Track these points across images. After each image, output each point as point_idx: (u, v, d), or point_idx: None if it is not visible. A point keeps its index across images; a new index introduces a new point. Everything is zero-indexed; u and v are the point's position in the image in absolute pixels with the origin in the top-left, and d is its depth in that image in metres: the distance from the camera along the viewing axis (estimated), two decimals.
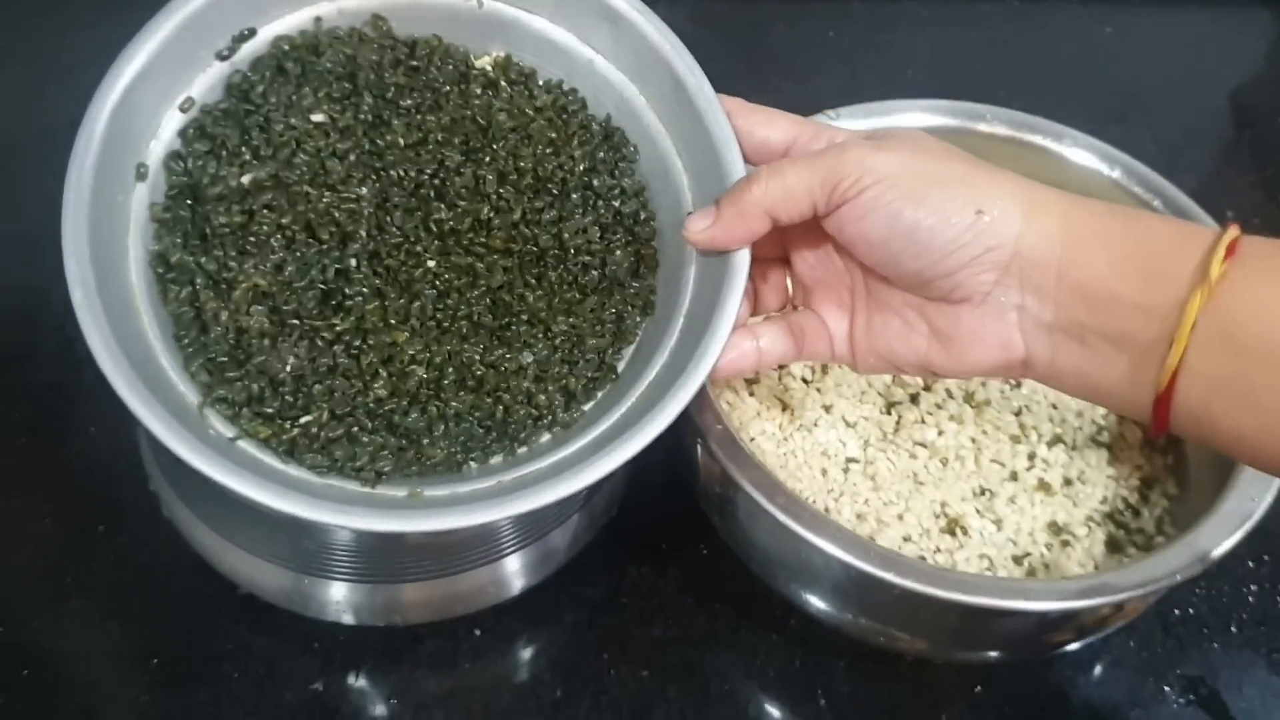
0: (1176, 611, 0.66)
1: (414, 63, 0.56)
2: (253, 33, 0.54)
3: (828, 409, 0.64)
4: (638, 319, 0.55)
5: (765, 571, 0.61)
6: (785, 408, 0.64)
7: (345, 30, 0.56)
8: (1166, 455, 0.64)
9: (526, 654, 0.64)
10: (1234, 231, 0.42)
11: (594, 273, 0.55)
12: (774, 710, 0.62)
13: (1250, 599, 0.67)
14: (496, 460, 0.52)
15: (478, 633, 0.64)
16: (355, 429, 0.50)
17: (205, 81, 0.53)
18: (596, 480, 0.48)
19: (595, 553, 0.65)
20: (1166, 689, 0.63)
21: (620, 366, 0.55)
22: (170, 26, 0.51)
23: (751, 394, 0.65)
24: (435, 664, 0.63)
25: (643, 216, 0.56)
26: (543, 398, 0.53)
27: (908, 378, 0.65)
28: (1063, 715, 0.63)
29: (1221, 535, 0.53)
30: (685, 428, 0.58)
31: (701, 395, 0.57)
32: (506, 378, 0.53)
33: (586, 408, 0.54)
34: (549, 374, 0.53)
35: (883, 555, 0.52)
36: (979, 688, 0.63)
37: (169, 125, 0.52)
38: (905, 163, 0.46)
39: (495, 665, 0.63)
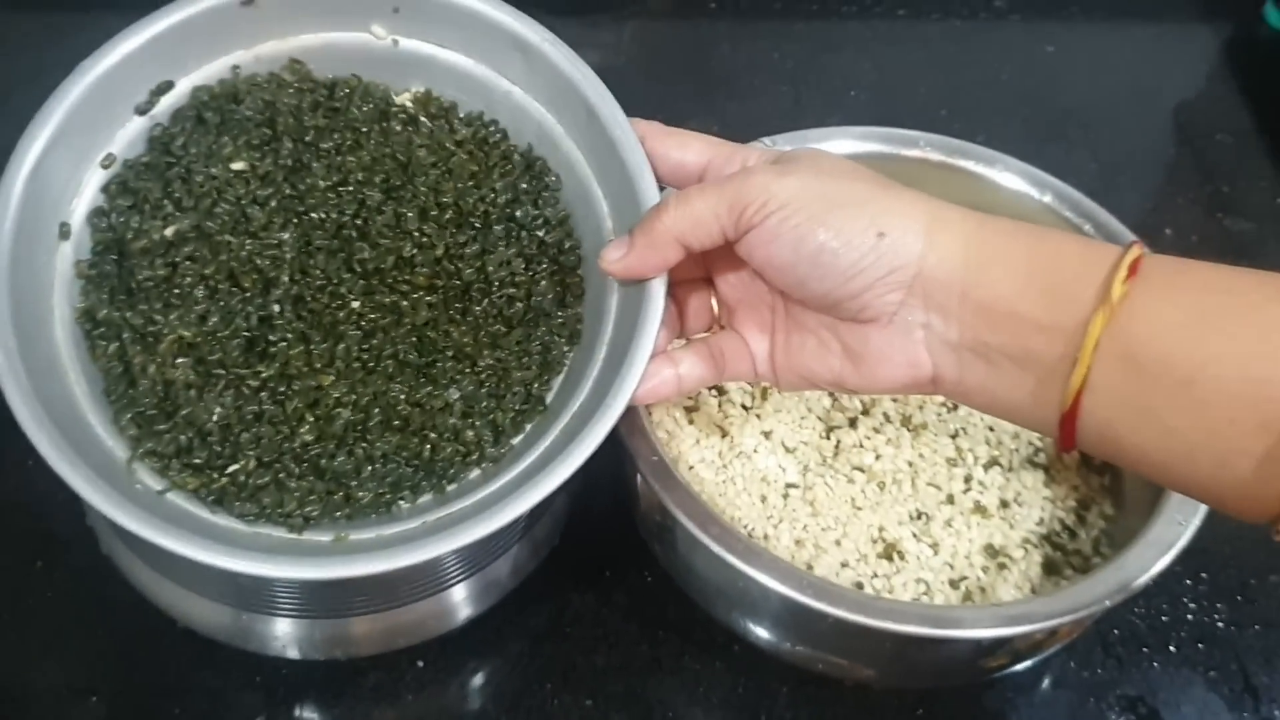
0: (1116, 631, 0.67)
1: (334, 104, 0.56)
2: (170, 85, 0.54)
3: (767, 435, 0.64)
4: (565, 348, 0.56)
5: (705, 600, 0.61)
6: (724, 434, 0.64)
7: (264, 76, 0.56)
8: (1103, 475, 0.64)
9: (471, 684, 0.64)
10: (1136, 250, 0.43)
11: (519, 305, 0.55)
12: None
13: (1189, 617, 0.67)
14: (426, 499, 0.52)
15: (421, 664, 0.63)
16: (282, 475, 0.50)
17: (125, 136, 0.54)
18: (517, 516, 0.48)
19: (538, 582, 0.65)
20: (1106, 709, 0.64)
21: (549, 398, 0.55)
22: (83, 86, 0.51)
23: (691, 421, 0.65)
24: (379, 696, 0.63)
25: (567, 245, 0.57)
26: (470, 434, 0.53)
27: (845, 401, 0.66)
28: None
29: (1154, 558, 0.54)
30: (624, 457, 0.58)
31: (637, 424, 0.57)
32: (433, 415, 0.53)
33: (515, 441, 0.54)
34: (476, 409, 0.53)
35: (816, 585, 0.52)
36: (920, 711, 0.63)
37: (91, 182, 0.53)
38: (808, 186, 0.46)
39: (439, 696, 0.63)
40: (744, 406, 0.66)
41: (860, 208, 0.46)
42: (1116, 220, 0.65)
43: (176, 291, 0.52)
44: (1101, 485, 0.64)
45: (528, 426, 0.54)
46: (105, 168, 0.53)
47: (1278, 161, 0.96)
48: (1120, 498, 0.63)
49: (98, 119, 0.52)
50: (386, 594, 0.59)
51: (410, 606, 0.60)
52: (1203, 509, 0.55)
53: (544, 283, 0.56)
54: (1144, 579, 0.53)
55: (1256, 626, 0.67)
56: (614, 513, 0.67)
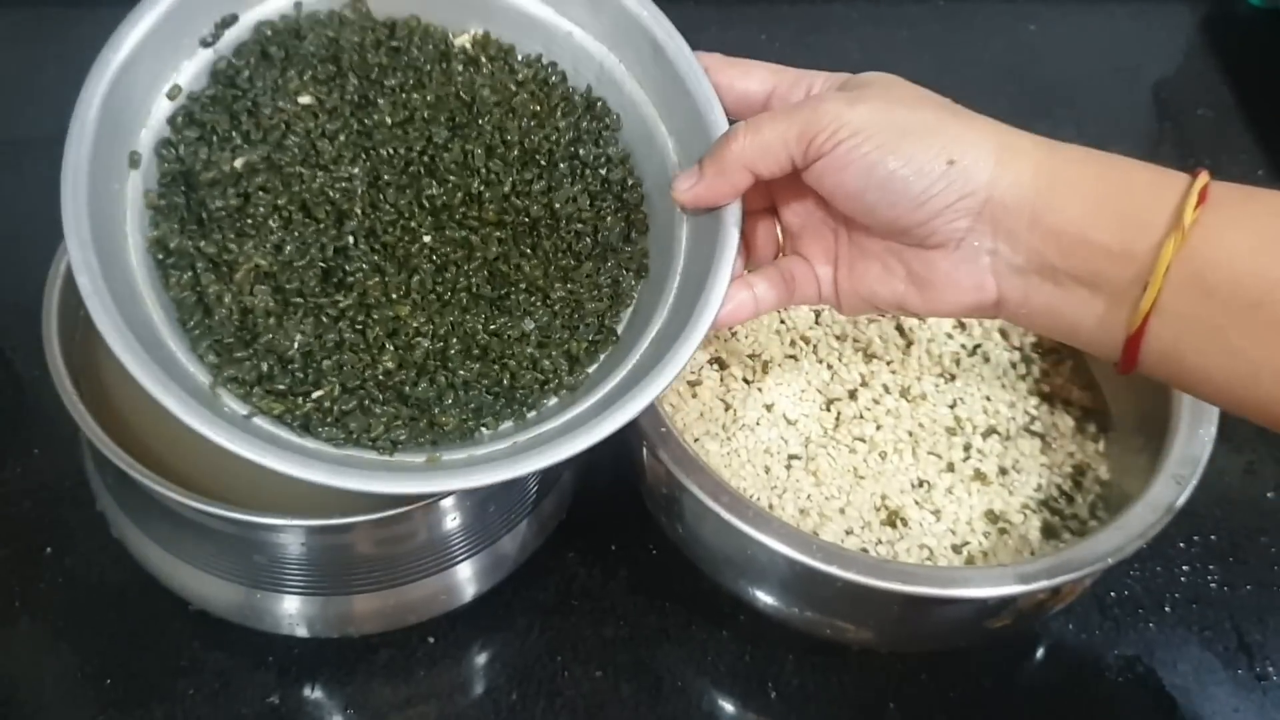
0: (1112, 594, 0.68)
1: (394, 43, 0.56)
2: (234, 19, 0.54)
3: (769, 408, 0.65)
4: (633, 281, 0.56)
5: (713, 569, 0.62)
6: (727, 408, 0.65)
7: (325, 13, 0.56)
8: (1098, 442, 0.66)
9: (480, 659, 0.64)
10: (1204, 177, 0.43)
11: (587, 239, 0.56)
12: (726, 704, 0.63)
13: (1182, 579, 0.69)
14: (507, 425, 0.53)
15: (431, 640, 0.64)
16: (367, 401, 0.51)
17: (191, 69, 0.54)
18: (609, 435, 0.49)
19: (545, 557, 0.66)
20: (1105, 669, 0.65)
21: (620, 329, 0.56)
22: (154, 14, 0.51)
23: (695, 395, 0.66)
24: (390, 673, 0.63)
25: (630, 183, 0.57)
26: (547, 363, 0.54)
27: (844, 374, 0.67)
28: (1006, 698, 0.64)
29: (1149, 519, 0.55)
30: (631, 431, 0.59)
31: None
32: (510, 345, 0.54)
33: (590, 370, 0.55)
34: (551, 339, 0.54)
35: (825, 549, 0.53)
36: (924, 675, 0.64)
37: (158, 113, 0.53)
38: (879, 113, 0.46)
39: (450, 672, 0.64)
40: (745, 380, 0.67)
41: (931, 135, 0.46)
42: None
43: (250, 221, 0.52)
44: (1097, 452, 0.65)
45: (601, 356, 0.55)
46: (171, 99, 0.53)
47: (1257, 135, 0.98)
48: (1115, 464, 0.65)
49: (166, 48, 0.52)
50: (396, 569, 0.60)
51: (419, 583, 0.61)
52: (1200, 469, 0.56)
53: (609, 218, 0.56)
54: (1143, 538, 0.54)
55: (1248, 586, 0.69)
56: (619, 487, 0.68)
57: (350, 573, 0.59)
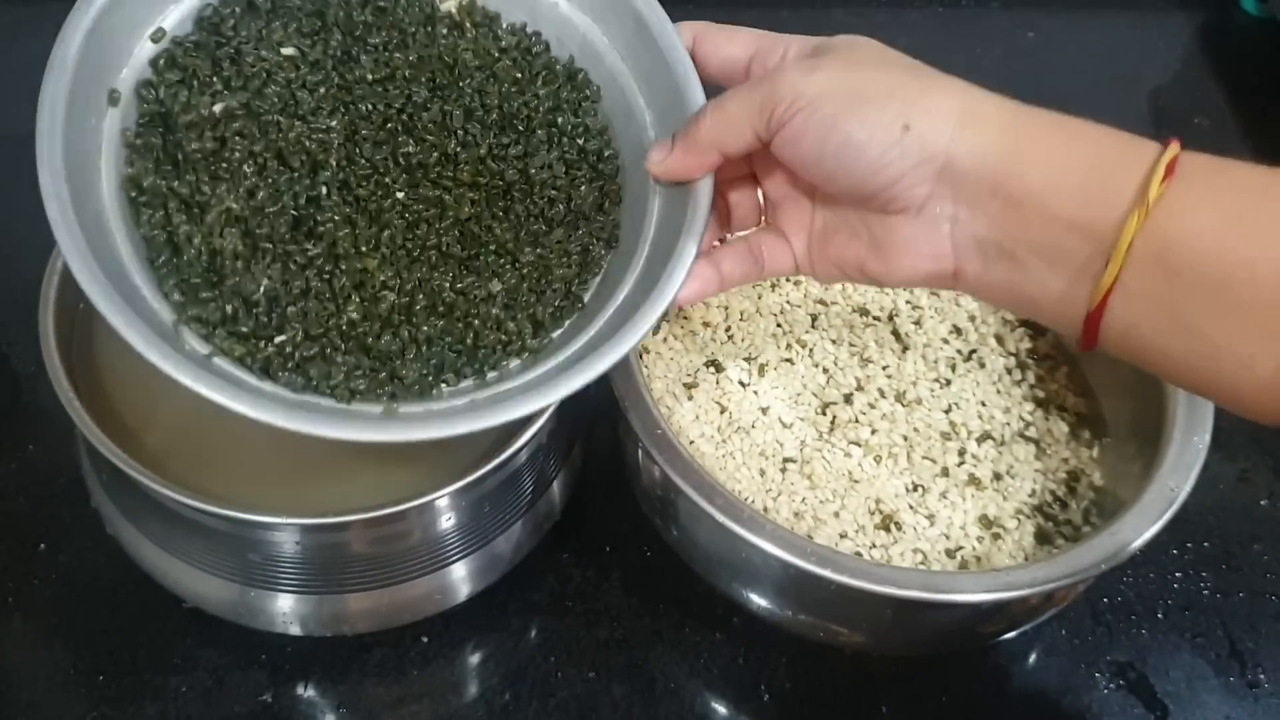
0: (1106, 599, 0.68)
1: (381, 3, 0.56)
2: None
3: (764, 411, 0.65)
4: (602, 251, 0.56)
5: (707, 571, 0.62)
6: (723, 410, 0.65)
7: None
8: (1092, 448, 0.66)
9: (474, 660, 0.65)
10: (1174, 149, 0.42)
11: (560, 206, 0.56)
12: (719, 707, 0.64)
13: (1175, 585, 0.69)
14: (467, 384, 0.53)
15: (425, 640, 0.64)
16: (329, 349, 0.51)
17: (176, 14, 0.54)
18: (563, 397, 0.49)
19: (540, 558, 0.66)
20: (1097, 675, 0.65)
21: (586, 296, 0.56)
22: None
23: (690, 398, 0.66)
24: (384, 672, 0.63)
25: (606, 154, 0.58)
26: (511, 325, 0.54)
27: (840, 378, 0.67)
28: (999, 703, 0.65)
29: (1143, 525, 0.55)
30: (625, 432, 0.59)
31: (639, 399, 0.58)
32: (476, 305, 0.53)
33: (554, 335, 0.55)
34: (517, 302, 0.54)
35: (819, 553, 0.53)
36: (917, 679, 0.64)
37: (140, 54, 0.53)
38: (834, 80, 0.46)
39: (443, 672, 0.64)
40: (741, 383, 0.67)
41: (887, 100, 0.45)
42: None
43: (224, 165, 0.52)
44: (1091, 458, 0.66)
45: (566, 322, 0.55)
46: (154, 42, 0.53)
47: (1254, 144, 0.98)
48: (1109, 470, 0.65)
49: None
50: (391, 568, 0.60)
51: (413, 582, 0.61)
52: (1193, 476, 0.56)
53: (584, 187, 0.57)
54: (1140, 541, 0.54)
55: (1241, 593, 0.69)
56: (614, 489, 0.68)
57: (344, 572, 0.60)
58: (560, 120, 0.57)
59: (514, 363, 0.54)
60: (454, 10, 0.58)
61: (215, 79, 0.53)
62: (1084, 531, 0.62)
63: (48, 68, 0.48)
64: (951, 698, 0.64)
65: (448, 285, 0.53)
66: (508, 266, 0.55)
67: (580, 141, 0.57)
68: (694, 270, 0.51)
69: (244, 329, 0.50)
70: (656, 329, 0.55)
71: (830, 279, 0.53)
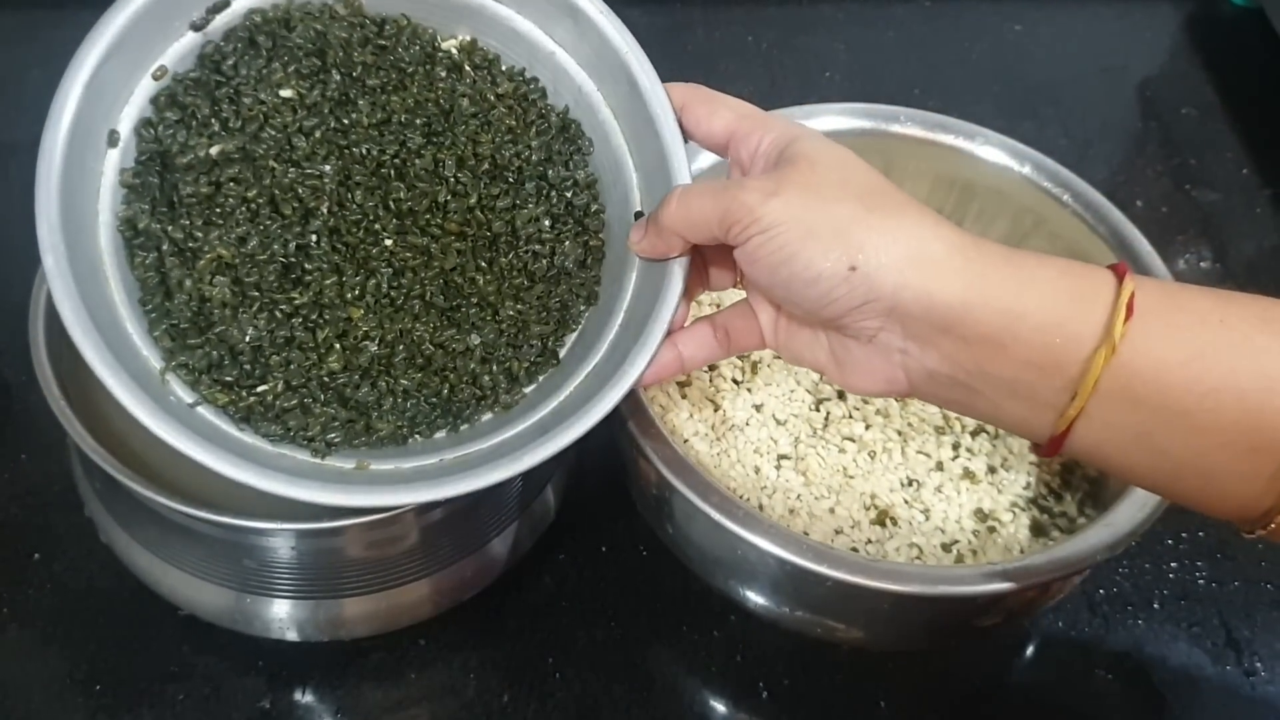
0: (1102, 590, 0.68)
1: (382, 41, 0.57)
2: (226, 3, 0.54)
3: (758, 408, 0.65)
4: (581, 308, 0.57)
5: (703, 570, 0.62)
6: (717, 408, 0.65)
7: (317, 5, 0.56)
8: None
9: (472, 662, 0.64)
10: (1130, 285, 0.43)
11: (543, 261, 0.56)
12: (718, 705, 0.64)
13: (1170, 576, 0.69)
14: (440, 435, 0.54)
15: (422, 643, 0.64)
16: (309, 400, 0.52)
17: (178, 51, 0.54)
18: (532, 466, 0.50)
19: (536, 559, 0.66)
20: (1094, 666, 0.65)
21: (562, 353, 0.56)
22: None
23: (684, 396, 0.66)
24: (381, 676, 0.63)
25: (593, 209, 0.58)
26: (487, 378, 0.54)
27: None
28: (997, 696, 0.65)
29: (1138, 515, 0.55)
30: (620, 432, 0.59)
31: (634, 399, 0.58)
32: (454, 357, 0.54)
33: (528, 390, 0.55)
34: (494, 355, 0.55)
35: (815, 549, 0.53)
36: (915, 673, 0.64)
37: (141, 92, 0.53)
38: (790, 208, 0.46)
39: (441, 674, 0.64)
40: (735, 381, 0.67)
41: (836, 238, 0.45)
42: (1093, 190, 0.67)
43: (218, 210, 0.52)
44: None
45: (540, 378, 0.56)
46: (156, 79, 0.53)
47: (1241, 134, 0.99)
48: None
49: (155, 28, 0.53)
50: (387, 572, 0.60)
51: (410, 586, 0.61)
52: None
53: (568, 243, 0.57)
54: (1132, 534, 0.54)
55: (1236, 583, 0.69)
56: (609, 489, 0.68)
57: (340, 576, 0.59)
58: (551, 173, 0.57)
59: (487, 416, 0.55)
60: (455, 50, 0.58)
61: (214, 120, 0.53)
62: (1079, 523, 0.62)
63: (48, 117, 0.49)
64: (949, 691, 0.64)
65: (428, 337, 0.54)
66: (488, 319, 0.55)
67: (569, 195, 0.57)
68: (658, 353, 0.52)
69: (229, 377, 0.51)
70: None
71: (793, 363, 0.54)
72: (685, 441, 0.64)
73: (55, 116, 0.49)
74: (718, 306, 0.70)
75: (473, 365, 0.54)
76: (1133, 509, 0.56)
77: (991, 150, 0.68)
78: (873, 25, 1.04)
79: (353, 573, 0.59)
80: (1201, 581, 0.69)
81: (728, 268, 0.55)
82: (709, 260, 0.55)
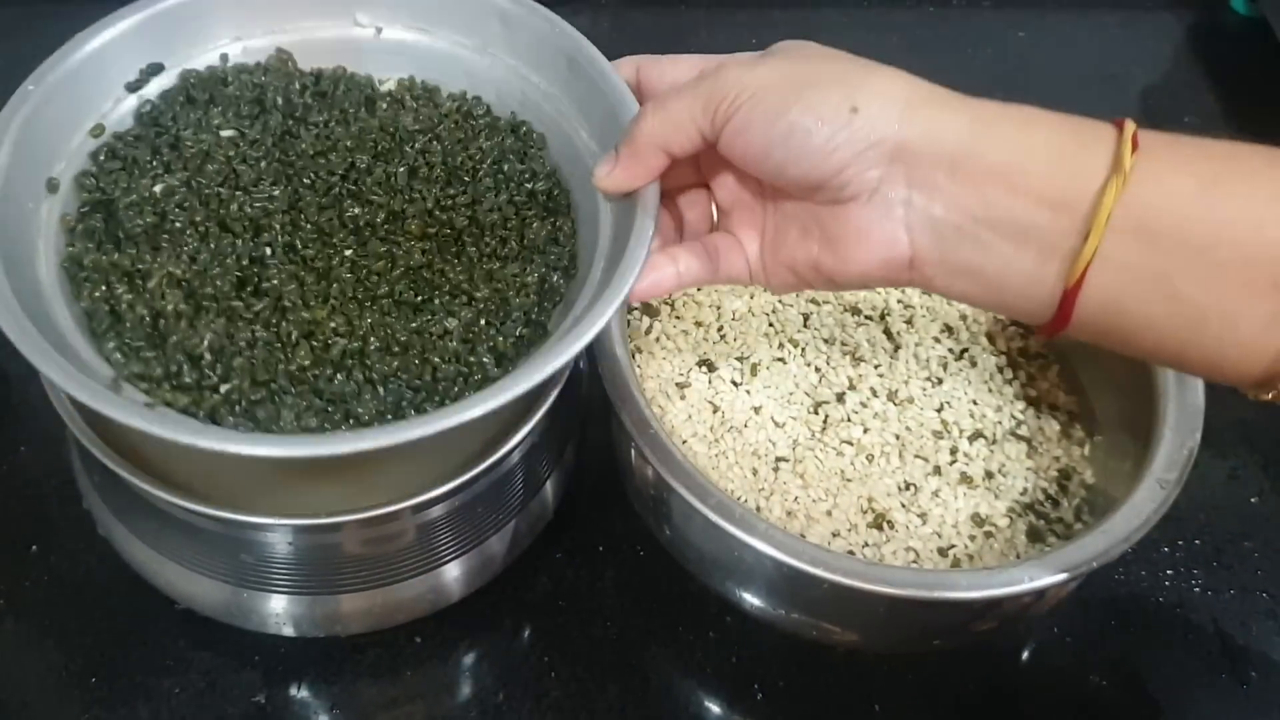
0: (1097, 597, 0.68)
1: (320, 88, 0.57)
2: (161, 67, 0.56)
3: (757, 410, 0.65)
4: (560, 280, 0.56)
5: (700, 570, 0.62)
6: (715, 410, 0.66)
7: (251, 65, 0.57)
8: (1083, 446, 0.66)
9: (468, 659, 0.65)
10: (1131, 126, 0.42)
11: (512, 243, 0.56)
12: (713, 705, 0.64)
13: (1167, 583, 0.69)
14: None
15: (419, 640, 0.64)
16: (280, 392, 0.50)
17: (117, 112, 0.55)
18: (520, 394, 0.47)
19: (533, 558, 0.66)
20: (1089, 673, 0.65)
21: (549, 324, 0.55)
22: (79, 54, 0.53)
23: (683, 398, 0.66)
24: (377, 673, 0.63)
25: (556, 194, 0.58)
26: (472, 358, 0.53)
27: (832, 376, 0.67)
28: (991, 701, 0.65)
29: (1134, 523, 0.55)
30: (618, 433, 0.59)
31: (631, 399, 0.58)
32: (433, 341, 0.53)
33: (520, 366, 0.54)
34: (477, 335, 0.53)
35: (812, 551, 0.53)
36: (910, 677, 0.64)
37: (80, 148, 0.54)
38: (779, 71, 0.46)
39: (437, 672, 0.64)
40: (733, 383, 0.67)
41: (833, 85, 0.45)
42: None
43: (165, 236, 0.52)
44: (1082, 456, 0.66)
45: (531, 351, 0.54)
46: (95, 137, 0.54)
47: (1244, 142, 0.98)
48: (1100, 468, 0.65)
49: (90, 88, 0.53)
50: (384, 568, 0.60)
51: (407, 583, 0.61)
52: (1184, 474, 0.56)
53: (535, 224, 0.57)
54: (1128, 541, 0.54)
55: (1232, 591, 0.69)
56: (607, 489, 0.68)
57: (337, 572, 0.60)
58: (506, 167, 0.58)
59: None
60: (393, 88, 0.59)
61: (155, 163, 0.53)
62: (1076, 529, 0.62)
63: None
64: (944, 695, 0.64)
65: (401, 327, 0.53)
66: (463, 304, 0.54)
67: (529, 185, 0.58)
68: (651, 263, 0.50)
69: (188, 380, 0.49)
70: (643, 324, 0.55)
71: (784, 287, 0.52)
72: (683, 443, 0.64)
73: None
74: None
75: (454, 345, 0.53)
76: (1129, 516, 0.56)
77: None
78: (876, 30, 1.05)
79: (350, 569, 0.59)
80: (1197, 589, 0.69)
81: (703, 211, 0.54)
82: (682, 208, 0.54)
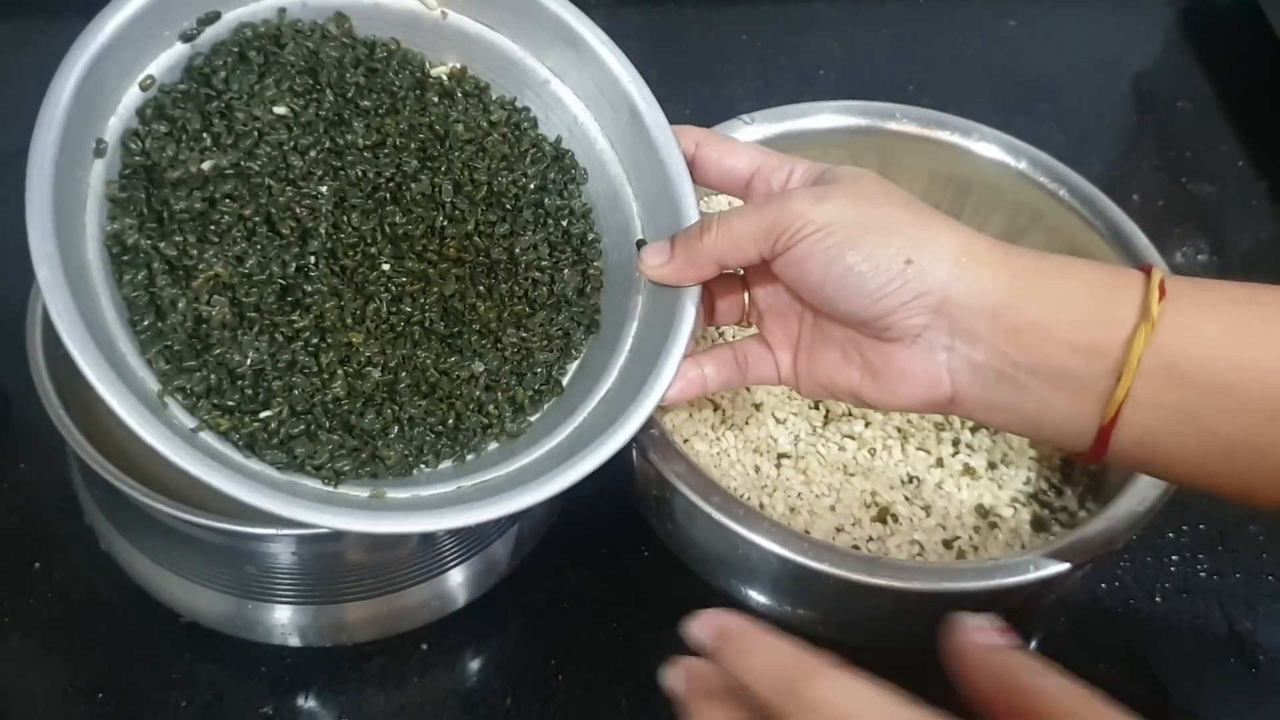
0: (1103, 584, 0.68)
1: (373, 64, 0.56)
2: (217, 16, 0.53)
3: (758, 407, 0.65)
4: (583, 336, 0.57)
5: (704, 569, 0.62)
6: (716, 408, 0.65)
7: (308, 24, 0.56)
8: None
9: (474, 665, 0.64)
10: (1159, 273, 0.45)
11: (543, 288, 0.56)
12: None
13: (1172, 569, 0.69)
14: (445, 466, 0.53)
15: (425, 647, 0.64)
16: (314, 427, 0.50)
17: (167, 60, 0.52)
18: (558, 493, 0.49)
19: (537, 561, 0.66)
20: (1096, 661, 0.65)
21: (565, 381, 0.56)
22: (136, 2, 0.50)
23: None
24: (384, 681, 0.63)
25: (590, 238, 0.58)
26: (492, 407, 0.54)
27: None
28: None
29: (1138, 509, 0.55)
30: None
31: None
32: (459, 385, 0.53)
33: (533, 419, 0.55)
34: (499, 384, 0.54)
35: (817, 547, 0.53)
36: (918, 670, 0.64)
37: (128, 101, 0.51)
38: (843, 210, 0.48)
39: (444, 678, 0.64)
40: None
41: (891, 234, 0.47)
42: (1089, 184, 0.67)
43: (213, 227, 0.51)
44: None
45: (545, 406, 0.56)
46: (144, 89, 0.52)
47: (1237, 127, 0.99)
48: None
49: (144, 37, 0.51)
50: (388, 576, 0.60)
51: (411, 590, 0.61)
52: None
53: (566, 271, 0.57)
54: (1132, 529, 0.54)
55: (1238, 575, 0.69)
56: (608, 490, 0.67)
57: (342, 581, 0.59)
58: (547, 201, 0.57)
59: (492, 445, 0.54)
60: (444, 76, 0.58)
61: (205, 134, 0.52)
62: (1080, 517, 0.62)
63: (39, 119, 0.47)
64: (953, 690, 0.64)
65: (431, 363, 0.53)
66: (490, 347, 0.55)
67: (565, 224, 0.58)
68: (680, 369, 0.52)
69: (230, 401, 0.49)
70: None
71: (814, 396, 0.55)
72: (685, 441, 0.64)
73: (46, 120, 0.47)
74: None
75: (478, 393, 0.54)
76: (1133, 503, 0.56)
77: (987, 146, 0.68)
78: (867, 23, 1.04)
79: (354, 577, 0.59)
80: (1203, 574, 0.69)
81: (734, 294, 0.56)
82: (715, 294, 0.56)
